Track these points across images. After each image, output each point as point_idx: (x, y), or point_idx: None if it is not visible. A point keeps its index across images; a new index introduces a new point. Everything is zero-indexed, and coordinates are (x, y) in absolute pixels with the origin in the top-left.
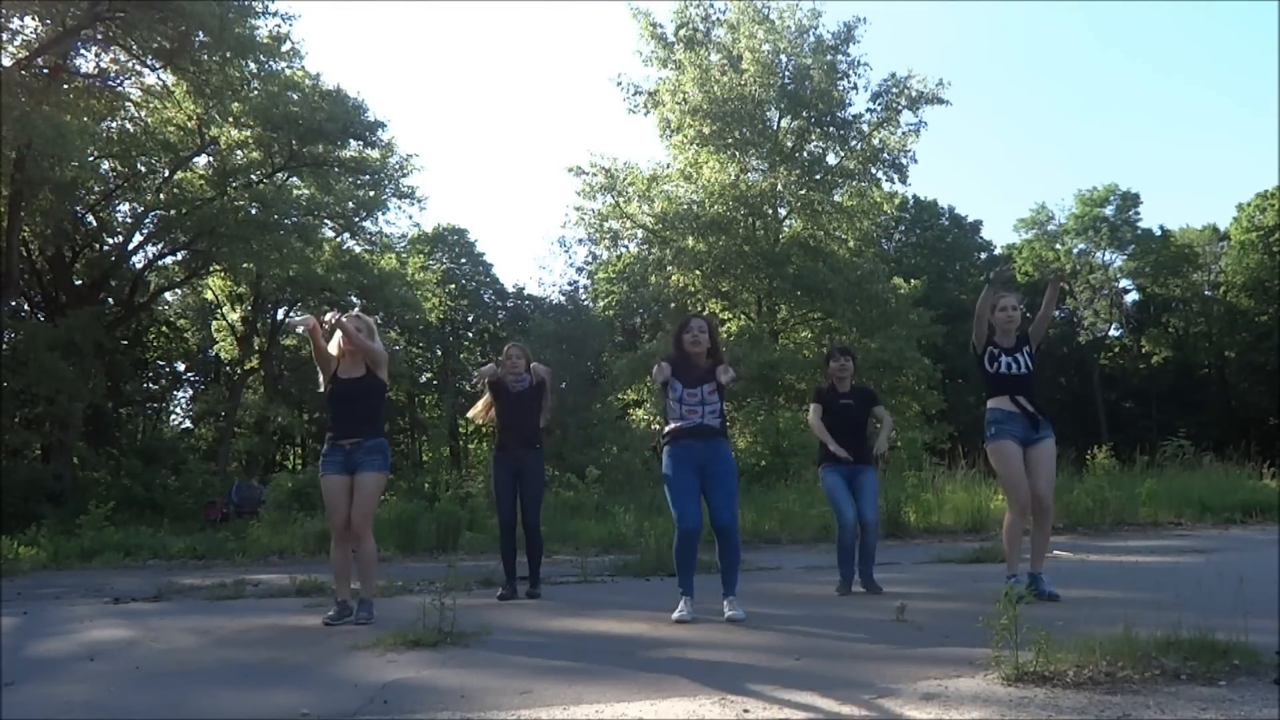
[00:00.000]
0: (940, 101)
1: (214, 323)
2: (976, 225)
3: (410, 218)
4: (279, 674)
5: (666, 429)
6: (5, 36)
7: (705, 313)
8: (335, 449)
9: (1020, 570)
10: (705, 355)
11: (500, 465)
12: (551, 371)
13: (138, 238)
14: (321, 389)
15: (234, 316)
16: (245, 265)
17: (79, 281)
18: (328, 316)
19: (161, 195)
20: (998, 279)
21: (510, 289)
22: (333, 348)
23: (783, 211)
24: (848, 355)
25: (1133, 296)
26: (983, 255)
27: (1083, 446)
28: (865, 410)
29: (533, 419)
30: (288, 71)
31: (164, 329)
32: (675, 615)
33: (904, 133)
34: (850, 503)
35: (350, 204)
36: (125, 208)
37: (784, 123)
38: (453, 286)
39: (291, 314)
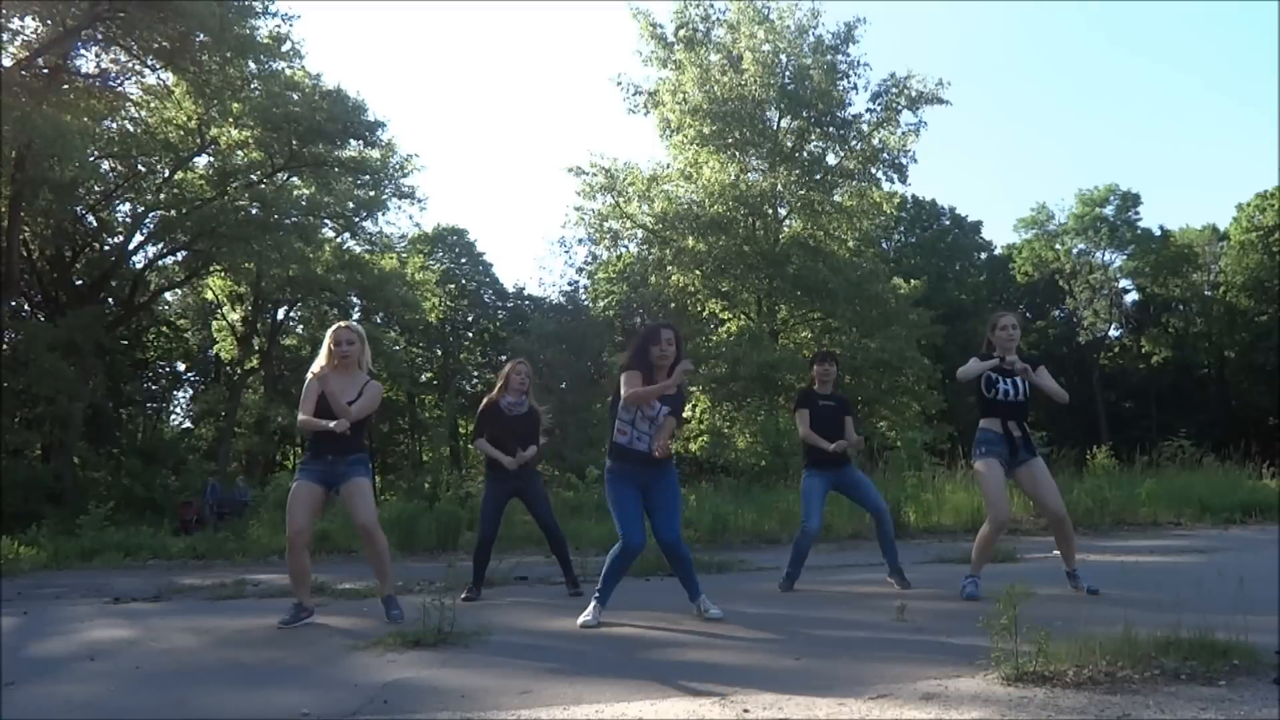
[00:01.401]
0: (940, 101)
1: (214, 323)
2: (976, 225)
3: (410, 218)
4: (279, 674)
5: (614, 445)
6: (5, 36)
7: (670, 321)
8: (318, 459)
9: (980, 574)
10: (670, 369)
11: (495, 481)
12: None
13: (138, 238)
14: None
15: (234, 316)
16: (245, 265)
17: (79, 281)
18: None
19: (161, 195)
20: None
21: (510, 289)
22: (320, 361)
23: (783, 211)
24: (831, 360)
25: (1133, 296)
26: (983, 255)
27: (1082, 446)
28: (843, 413)
29: (528, 440)
30: (288, 71)
31: (164, 329)
32: (582, 619)
33: (904, 133)
34: (820, 512)
35: (350, 204)
36: (125, 208)
37: (784, 123)
38: (452, 286)
39: (291, 314)
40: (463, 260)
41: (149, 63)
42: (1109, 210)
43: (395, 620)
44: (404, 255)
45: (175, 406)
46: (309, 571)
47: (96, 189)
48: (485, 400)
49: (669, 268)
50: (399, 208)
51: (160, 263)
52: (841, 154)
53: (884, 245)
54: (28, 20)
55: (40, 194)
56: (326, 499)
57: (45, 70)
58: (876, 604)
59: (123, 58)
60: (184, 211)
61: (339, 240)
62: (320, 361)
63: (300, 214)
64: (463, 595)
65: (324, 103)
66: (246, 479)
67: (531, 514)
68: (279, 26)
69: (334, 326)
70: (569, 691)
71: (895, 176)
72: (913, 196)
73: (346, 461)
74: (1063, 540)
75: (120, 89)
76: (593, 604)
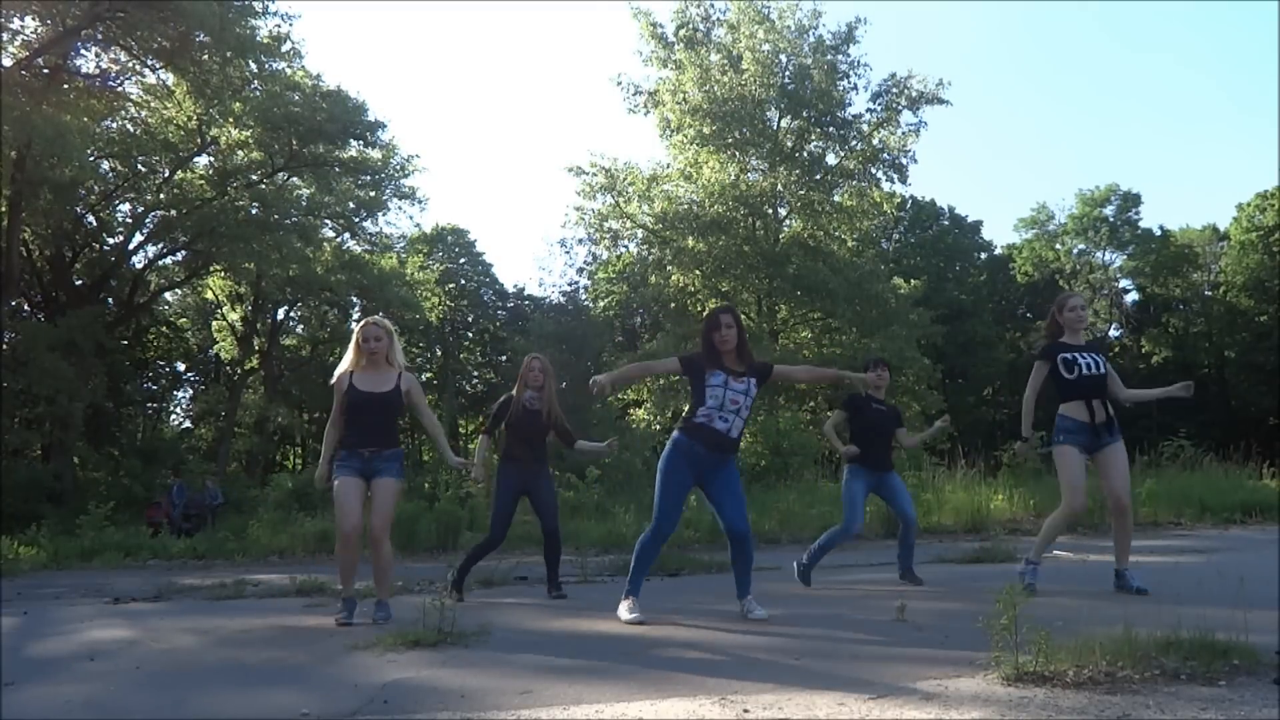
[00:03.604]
0: (940, 101)
1: (214, 323)
2: (976, 225)
3: (410, 218)
4: (279, 674)
5: (690, 421)
6: (5, 36)
7: (729, 305)
8: (353, 455)
9: (1041, 559)
10: (735, 353)
11: (506, 476)
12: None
13: (138, 238)
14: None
15: (234, 316)
16: (245, 265)
17: (79, 281)
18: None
19: (162, 195)
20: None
21: (510, 289)
22: (348, 359)
23: (783, 211)
24: (885, 365)
25: (1133, 296)
26: (982, 255)
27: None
28: (895, 421)
29: (544, 435)
30: (288, 71)
31: (164, 329)
32: (630, 616)
33: (904, 133)
34: (863, 513)
35: (350, 204)
36: (125, 208)
37: (784, 123)
38: (452, 286)
39: (291, 314)
40: (462, 260)
41: (149, 63)
42: (1109, 210)
43: (379, 622)
44: (404, 255)
45: (175, 406)
46: (358, 563)
47: (96, 189)
48: (505, 396)
49: (669, 268)
50: (399, 208)
51: (160, 263)
52: (841, 154)
53: (884, 245)
54: (28, 20)
55: (40, 194)
56: (367, 491)
57: (45, 70)
58: (876, 604)
59: (123, 58)
60: (184, 211)
61: (339, 240)
62: (347, 360)
63: (300, 214)
64: (452, 593)
65: (324, 103)
66: (217, 480)
67: (536, 513)
68: (279, 26)
69: (362, 322)
70: (569, 691)
71: (895, 176)
72: (912, 196)
73: (383, 457)
74: (1121, 533)
75: (120, 89)
76: (628, 600)
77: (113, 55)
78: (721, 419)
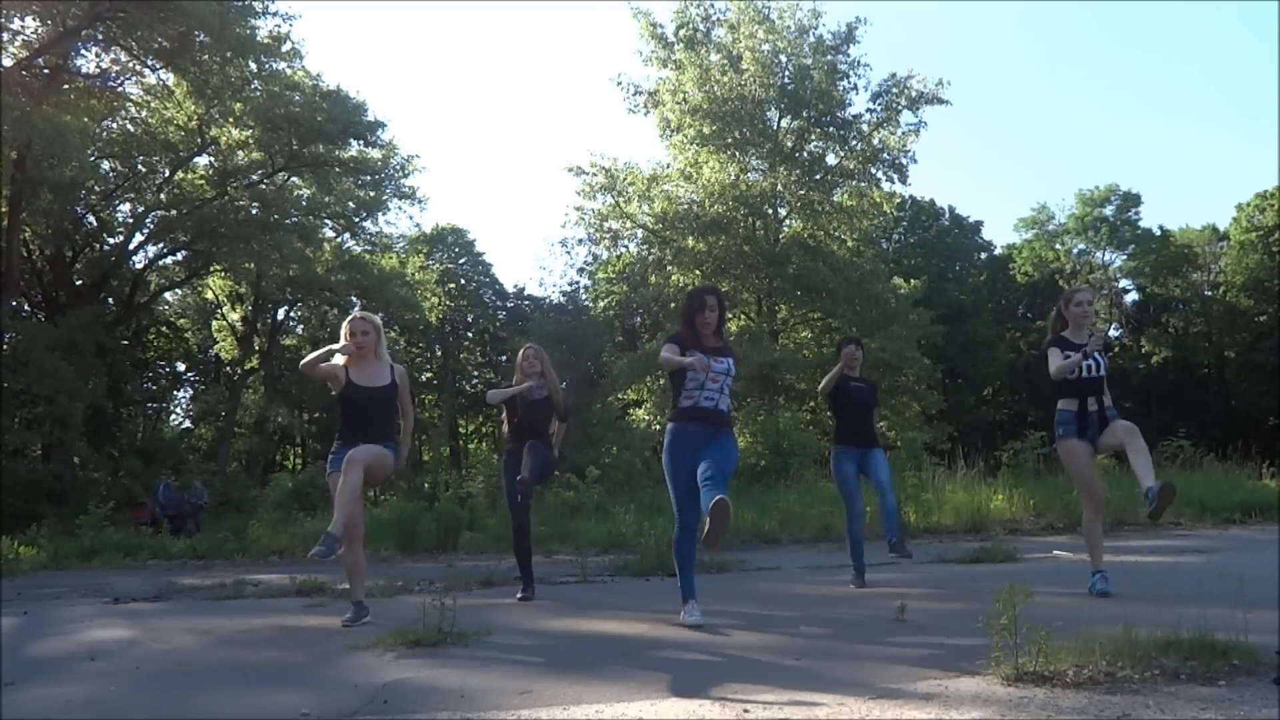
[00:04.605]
0: (940, 101)
1: (214, 323)
2: (977, 225)
3: (410, 218)
4: (279, 674)
5: (681, 409)
6: (5, 36)
7: (713, 286)
8: (352, 446)
9: (1105, 566)
10: (715, 332)
11: (510, 467)
12: (564, 398)
13: (138, 238)
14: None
15: (234, 316)
16: (245, 265)
17: (79, 281)
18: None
19: (162, 195)
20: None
21: (510, 289)
22: (338, 358)
23: (783, 211)
24: (858, 345)
25: (1133, 296)
26: (983, 255)
27: None
28: (872, 397)
29: (544, 427)
30: (288, 71)
31: (164, 329)
32: (691, 620)
33: (904, 133)
34: (859, 492)
35: (350, 204)
36: (125, 208)
37: (784, 123)
38: (452, 286)
39: (291, 314)
40: (462, 260)
41: (149, 63)
42: (1109, 210)
43: (325, 553)
44: (404, 255)
45: (175, 406)
46: (365, 565)
47: (96, 189)
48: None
49: (669, 268)
50: (399, 208)
51: (160, 263)
52: (841, 154)
53: (884, 245)
54: (28, 20)
55: (40, 194)
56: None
57: (45, 70)
58: (876, 604)
59: (123, 58)
60: (184, 211)
61: (339, 240)
62: (338, 357)
63: (300, 214)
64: (518, 596)
65: (324, 103)
66: (215, 479)
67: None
68: (279, 26)
69: (349, 318)
70: (569, 691)
71: (895, 176)
72: (912, 196)
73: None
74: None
75: (120, 89)
76: (687, 604)
77: (113, 55)
78: (706, 397)
